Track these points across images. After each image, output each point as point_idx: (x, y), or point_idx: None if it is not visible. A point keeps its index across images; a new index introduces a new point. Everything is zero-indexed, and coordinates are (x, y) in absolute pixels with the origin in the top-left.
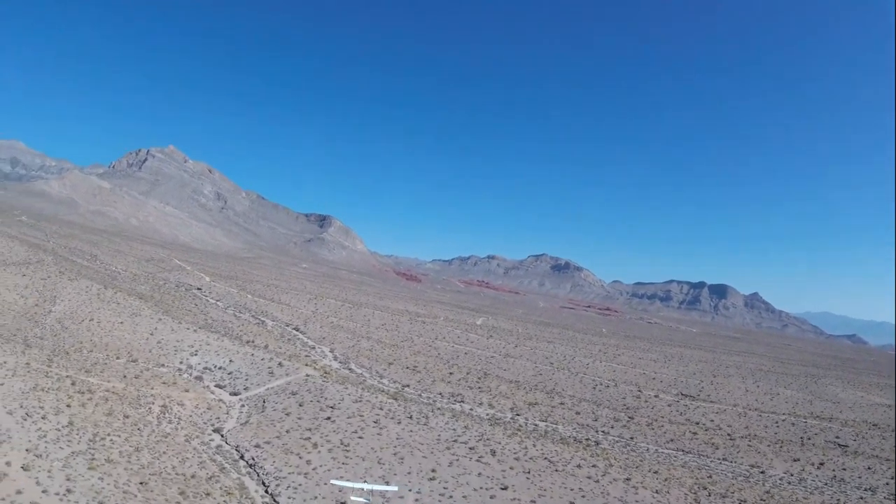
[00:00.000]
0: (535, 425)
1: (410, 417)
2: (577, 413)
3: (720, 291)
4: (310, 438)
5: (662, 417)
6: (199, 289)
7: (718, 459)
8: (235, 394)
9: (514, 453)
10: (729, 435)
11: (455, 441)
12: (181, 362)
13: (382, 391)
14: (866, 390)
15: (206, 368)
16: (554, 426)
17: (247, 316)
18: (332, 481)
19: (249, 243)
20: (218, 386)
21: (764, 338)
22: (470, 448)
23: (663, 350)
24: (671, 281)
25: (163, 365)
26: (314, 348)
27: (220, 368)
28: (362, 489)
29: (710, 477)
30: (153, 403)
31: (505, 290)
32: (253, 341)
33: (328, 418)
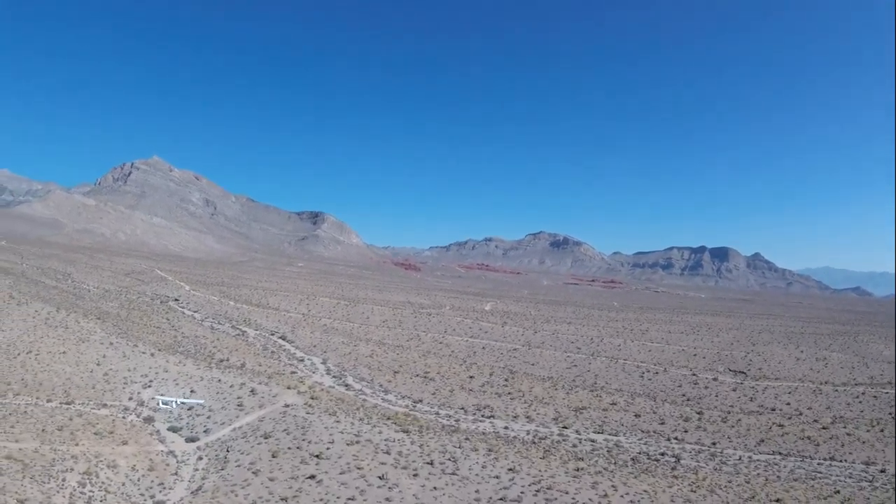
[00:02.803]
0: (593, 442)
1: (431, 463)
2: (637, 416)
3: (721, 254)
4: None
5: (733, 407)
6: (176, 300)
7: (826, 460)
8: (192, 440)
9: None
10: (817, 421)
11: (503, 500)
12: (130, 398)
13: (388, 418)
14: None
15: (160, 403)
16: (615, 439)
17: (226, 327)
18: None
19: (242, 247)
20: (172, 429)
21: (773, 298)
22: None
23: (685, 320)
24: (671, 248)
25: (105, 405)
26: (302, 360)
27: (177, 403)
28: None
29: (838, 492)
30: (72, 470)
31: (506, 271)
32: (227, 360)
33: (312, 476)
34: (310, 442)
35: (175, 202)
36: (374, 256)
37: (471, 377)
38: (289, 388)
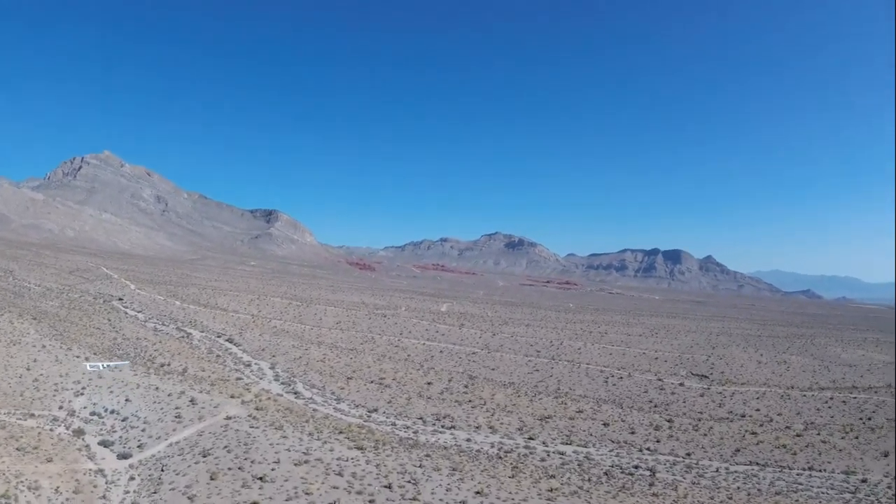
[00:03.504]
0: (562, 455)
1: (389, 487)
2: (605, 424)
3: (674, 257)
4: None
5: (703, 414)
6: (120, 299)
7: (805, 470)
8: (125, 456)
9: None
10: (789, 428)
11: None
12: (60, 407)
13: (340, 432)
14: (863, 347)
15: (92, 414)
16: (585, 451)
17: (170, 328)
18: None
19: (194, 245)
20: (103, 444)
21: (725, 300)
22: None
23: (643, 322)
24: (625, 250)
25: (32, 414)
26: (249, 365)
27: (111, 413)
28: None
29: None
30: None
31: (461, 271)
32: (168, 364)
33: (254, 503)
34: (253, 462)
35: (126, 198)
36: (328, 256)
37: (429, 383)
38: (232, 396)
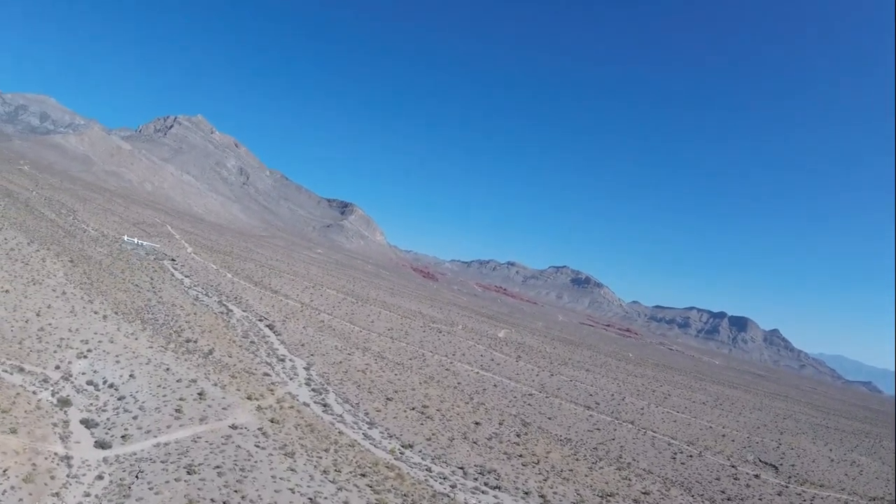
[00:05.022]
0: None
1: None
2: None
3: (740, 324)
4: None
5: None
6: (172, 259)
7: None
8: (104, 445)
9: None
10: None
11: None
12: (57, 366)
13: (362, 473)
14: None
15: (89, 383)
16: None
17: (212, 301)
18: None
19: (266, 222)
20: (85, 423)
21: (787, 378)
22: None
23: (706, 389)
24: (692, 308)
25: (23, 368)
26: (283, 361)
27: (109, 387)
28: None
29: None
30: None
31: (523, 298)
32: (194, 341)
33: None
34: (244, 498)
35: (209, 164)
36: (394, 258)
37: (477, 423)
38: (249, 398)
